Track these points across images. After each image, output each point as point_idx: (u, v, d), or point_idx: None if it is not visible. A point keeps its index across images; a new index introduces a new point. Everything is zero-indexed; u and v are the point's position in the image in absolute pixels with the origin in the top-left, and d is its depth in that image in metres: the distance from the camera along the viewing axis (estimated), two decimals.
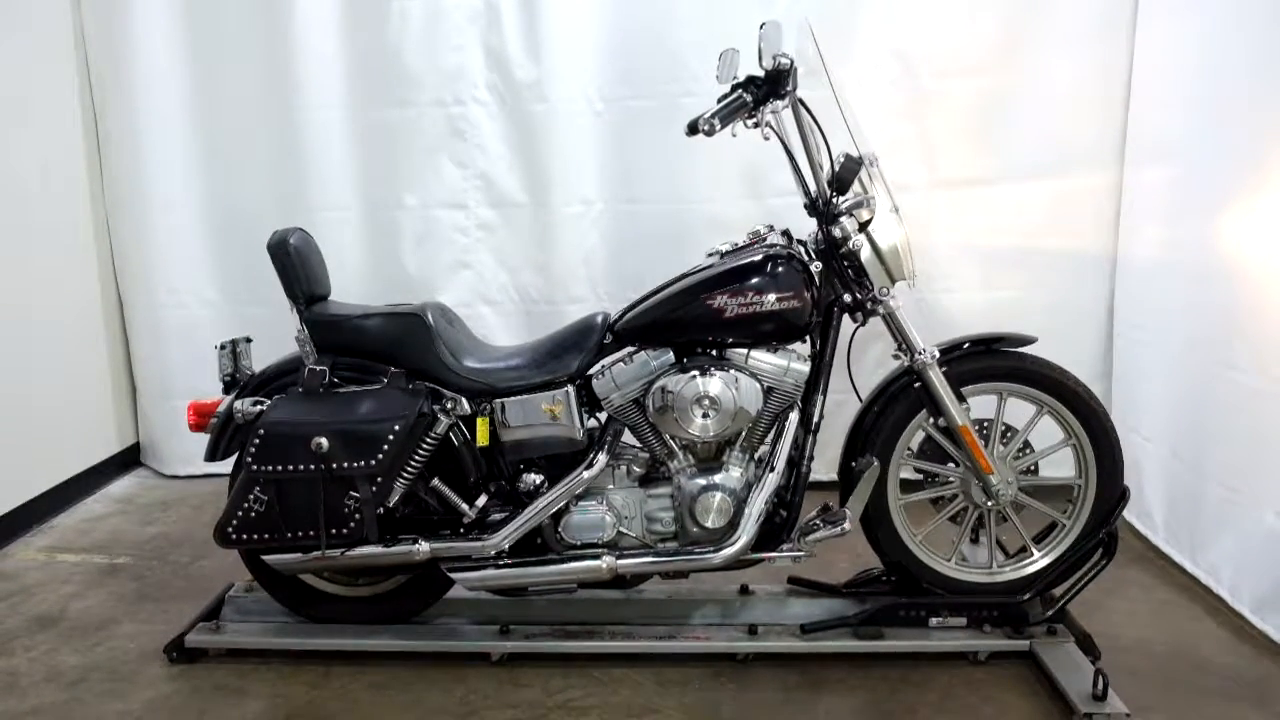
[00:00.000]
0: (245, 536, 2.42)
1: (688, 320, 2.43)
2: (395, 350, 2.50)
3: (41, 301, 3.67)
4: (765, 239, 2.52)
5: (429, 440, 2.46)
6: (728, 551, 2.44)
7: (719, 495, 2.46)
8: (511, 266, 3.76)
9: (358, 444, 2.36)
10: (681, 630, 2.63)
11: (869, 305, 2.48)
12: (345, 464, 2.36)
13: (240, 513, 2.41)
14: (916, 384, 2.52)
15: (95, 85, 3.86)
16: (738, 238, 2.60)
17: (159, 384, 4.03)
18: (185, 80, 3.75)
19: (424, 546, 2.47)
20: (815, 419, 2.50)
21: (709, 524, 2.46)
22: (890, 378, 2.60)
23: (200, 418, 2.57)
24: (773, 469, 2.46)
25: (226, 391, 2.58)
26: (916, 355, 2.47)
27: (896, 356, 2.55)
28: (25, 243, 3.60)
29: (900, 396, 2.56)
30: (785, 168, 2.49)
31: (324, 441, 2.34)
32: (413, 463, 2.45)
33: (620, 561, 2.47)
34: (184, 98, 3.77)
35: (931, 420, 2.55)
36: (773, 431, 2.51)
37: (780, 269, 2.40)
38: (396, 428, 2.36)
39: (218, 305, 3.92)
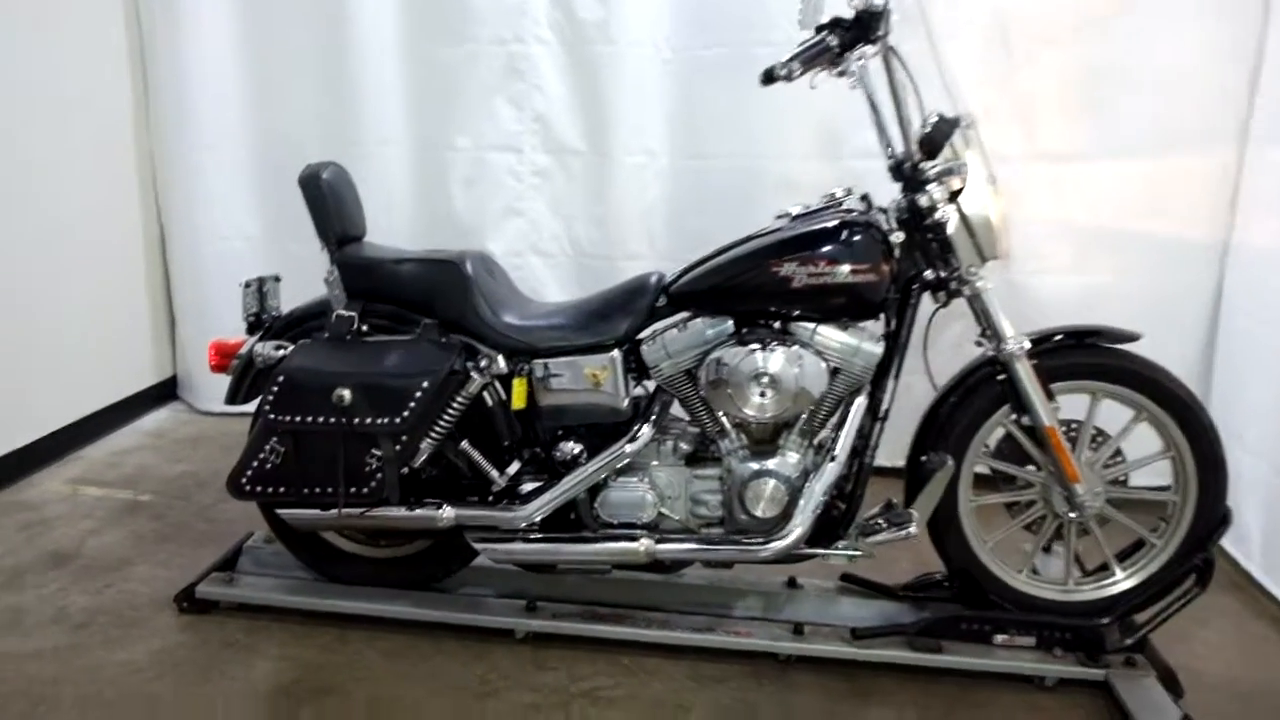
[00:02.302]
0: (260, 489, 2.26)
1: (751, 287, 2.20)
2: (430, 300, 2.30)
3: (83, 230, 3.55)
4: (841, 203, 2.27)
5: (460, 399, 2.27)
6: (779, 544, 2.23)
7: (773, 482, 2.24)
8: (565, 216, 3.54)
9: (382, 399, 2.18)
10: (721, 623, 2.42)
11: (953, 284, 2.22)
12: (368, 420, 2.18)
13: (256, 463, 2.25)
14: (1001, 376, 2.26)
15: (143, 15, 3.72)
16: (811, 200, 2.35)
17: (198, 317, 3.90)
18: (235, 12, 3.58)
19: (448, 512, 2.29)
20: (884, 406, 2.26)
21: (760, 513, 2.24)
22: (971, 367, 2.34)
23: (222, 358, 2.41)
24: (834, 458, 2.23)
25: (250, 332, 2.42)
26: (1004, 345, 2.21)
27: (979, 343, 2.29)
28: (69, 171, 3.48)
29: (981, 388, 2.30)
30: (867, 127, 2.23)
31: (346, 394, 2.16)
32: (441, 422, 2.26)
33: (660, 546, 2.27)
34: (233, 30, 3.59)
35: (1014, 417, 2.29)
36: (836, 416, 2.28)
37: (857, 237, 2.15)
38: (425, 384, 2.17)
39: (259, 241, 3.77)
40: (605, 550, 2.28)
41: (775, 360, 2.17)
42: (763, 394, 2.18)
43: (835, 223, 2.18)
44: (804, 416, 2.26)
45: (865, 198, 2.29)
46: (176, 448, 3.69)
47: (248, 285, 2.39)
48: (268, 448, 2.23)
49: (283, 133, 3.65)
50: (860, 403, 2.25)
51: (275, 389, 2.20)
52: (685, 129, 3.41)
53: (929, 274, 2.22)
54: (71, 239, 3.49)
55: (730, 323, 2.25)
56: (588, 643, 2.40)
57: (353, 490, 2.23)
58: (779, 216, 2.31)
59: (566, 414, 2.32)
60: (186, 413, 4.04)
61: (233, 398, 2.41)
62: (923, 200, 2.16)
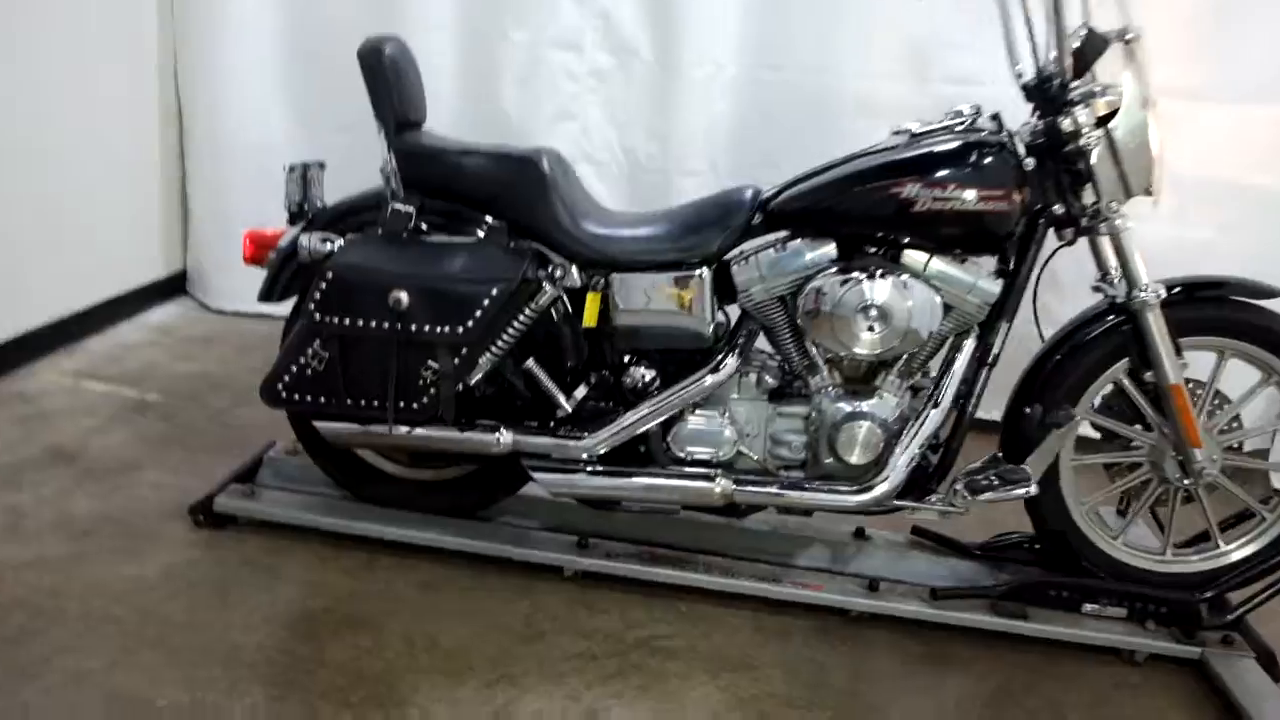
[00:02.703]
0: (298, 397, 2.03)
1: (865, 208, 1.97)
2: (500, 199, 2.05)
3: (95, 112, 3.24)
4: (968, 122, 2.02)
5: (528, 312, 2.03)
6: (869, 494, 2.04)
7: (868, 426, 2.03)
8: (621, 124, 3.26)
9: (445, 306, 1.94)
10: (788, 573, 2.23)
11: (1085, 221, 1.99)
12: (427, 328, 1.94)
13: (295, 368, 2.01)
14: (1125, 325, 2.04)
15: None
16: (897, 122, 2.10)
17: (214, 209, 3.61)
18: None
19: (506, 437, 2.07)
20: (995, 351, 2.05)
21: (852, 458, 2.04)
22: (1092, 313, 2.11)
23: (259, 249, 2.16)
24: (936, 405, 2.03)
25: (292, 223, 2.16)
26: (1138, 291, 1.99)
27: (1098, 288, 2.07)
28: (84, 51, 3.17)
29: (1101, 338, 2.08)
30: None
31: (404, 297, 1.92)
32: (505, 337, 2.03)
33: (739, 487, 2.06)
34: None
35: (1131, 371, 2.08)
36: (937, 359, 2.07)
37: (990, 160, 1.92)
38: (494, 292, 1.93)
39: (285, 131, 3.46)
40: (678, 489, 2.07)
41: (885, 292, 1.94)
42: (869, 328, 1.96)
43: (965, 142, 1.94)
44: (904, 357, 2.04)
45: (996, 117, 2.04)
46: (186, 346, 3.43)
47: (291, 170, 2.13)
48: (309, 352, 1.99)
49: (317, 12, 3.32)
50: (968, 346, 2.04)
51: (322, 287, 1.96)
52: (758, 36, 3.12)
53: (1058, 208, 1.99)
54: (82, 120, 3.17)
55: (833, 246, 2.02)
56: (640, 585, 2.20)
57: (402, 405, 2.00)
58: (896, 133, 2.07)
59: (642, 336, 2.09)
60: (196, 310, 3.77)
61: (268, 294, 2.16)
62: (1065, 124, 1.92)
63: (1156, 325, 2.00)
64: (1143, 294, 1.99)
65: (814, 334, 2.01)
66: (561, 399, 2.09)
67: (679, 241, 2.05)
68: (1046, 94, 1.96)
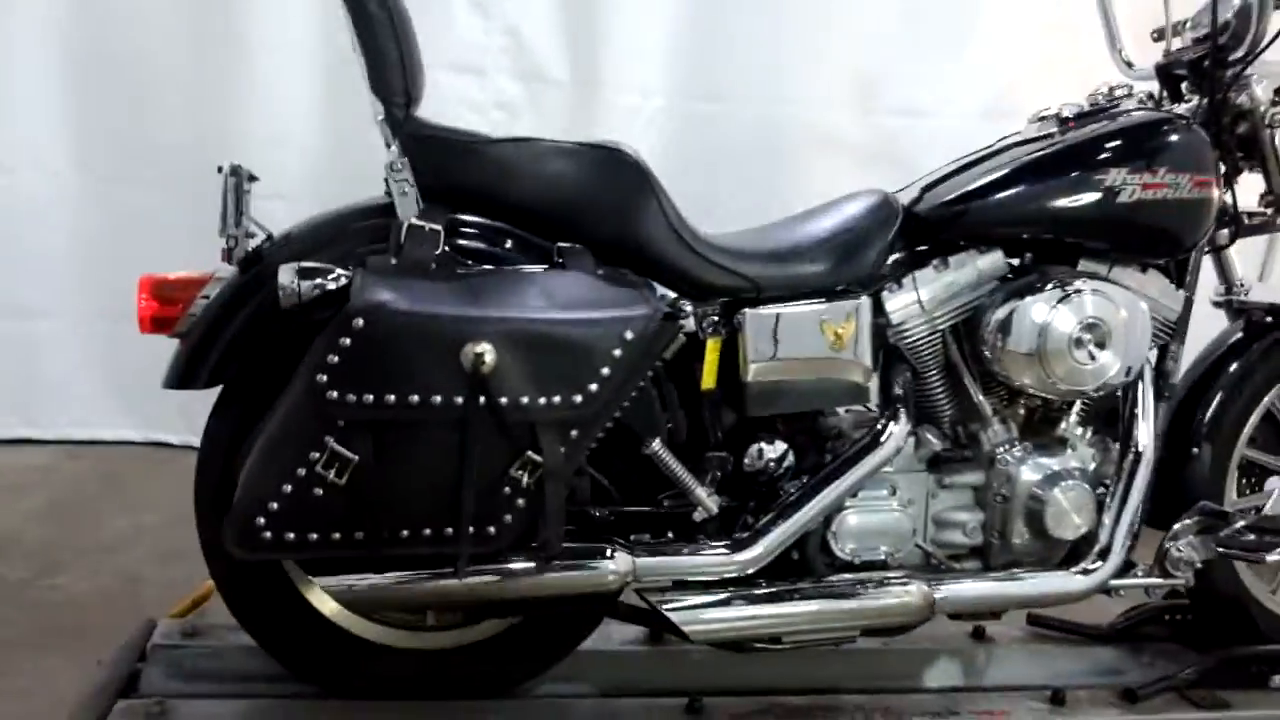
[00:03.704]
0: (297, 537, 1.21)
1: (1056, 205, 1.54)
2: (580, 208, 1.39)
3: None
4: (1122, 104, 1.66)
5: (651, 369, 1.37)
6: (1096, 576, 1.55)
7: (1078, 488, 1.55)
8: None
9: (554, 362, 1.24)
10: (957, 700, 1.67)
11: (1254, 217, 1.69)
12: (525, 399, 1.22)
13: (288, 489, 1.20)
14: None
15: None
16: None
17: None
18: None
19: (622, 562, 1.36)
20: (1173, 381, 1.67)
21: (1065, 532, 1.55)
22: (1243, 330, 1.80)
23: (168, 303, 1.34)
24: (1137, 453, 1.59)
25: (230, 257, 1.35)
26: None
27: (1220, 303, 1.78)
28: None
29: (1265, 357, 1.78)
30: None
31: (487, 353, 1.20)
32: (620, 409, 1.34)
33: (944, 590, 1.49)
34: None
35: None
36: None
37: (1189, 140, 1.57)
38: (629, 336, 1.26)
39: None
40: (873, 608, 1.46)
41: (1099, 306, 1.50)
42: (1088, 356, 1.50)
43: (1157, 119, 1.58)
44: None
45: (1153, 96, 1.70)
46: None
47: (233, 174, 1.33)
48: (314, 459, 1.19)
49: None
50: (1149, 375, 1.64)
51: (343, 346, 1.18)
52: (692, 63, 2.67)
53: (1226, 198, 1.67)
54: None
55: (1002, 257, 1.56)
56: None
57: (474, 532, 1.25)
58: (1037, 119, 1.67)
59: (784, 396, 1.48)
60: None
61: (189, 373, 1.34)
62: (1241, 99, 1.61)
63: None
64: None
65: (1007, 371, 1.52)
66: (703, 494, 1.42)
67: (828, 261, 1.49)
68: (1198, 69, 1.64)
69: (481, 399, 1.20)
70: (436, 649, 1.53)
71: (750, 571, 1.42)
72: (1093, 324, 1.49)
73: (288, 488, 1.20)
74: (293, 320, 1.26)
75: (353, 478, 1.19)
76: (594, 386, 1.24)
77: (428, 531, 1.24)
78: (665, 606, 1.38)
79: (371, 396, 1.19)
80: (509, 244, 1.39)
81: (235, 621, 1.54)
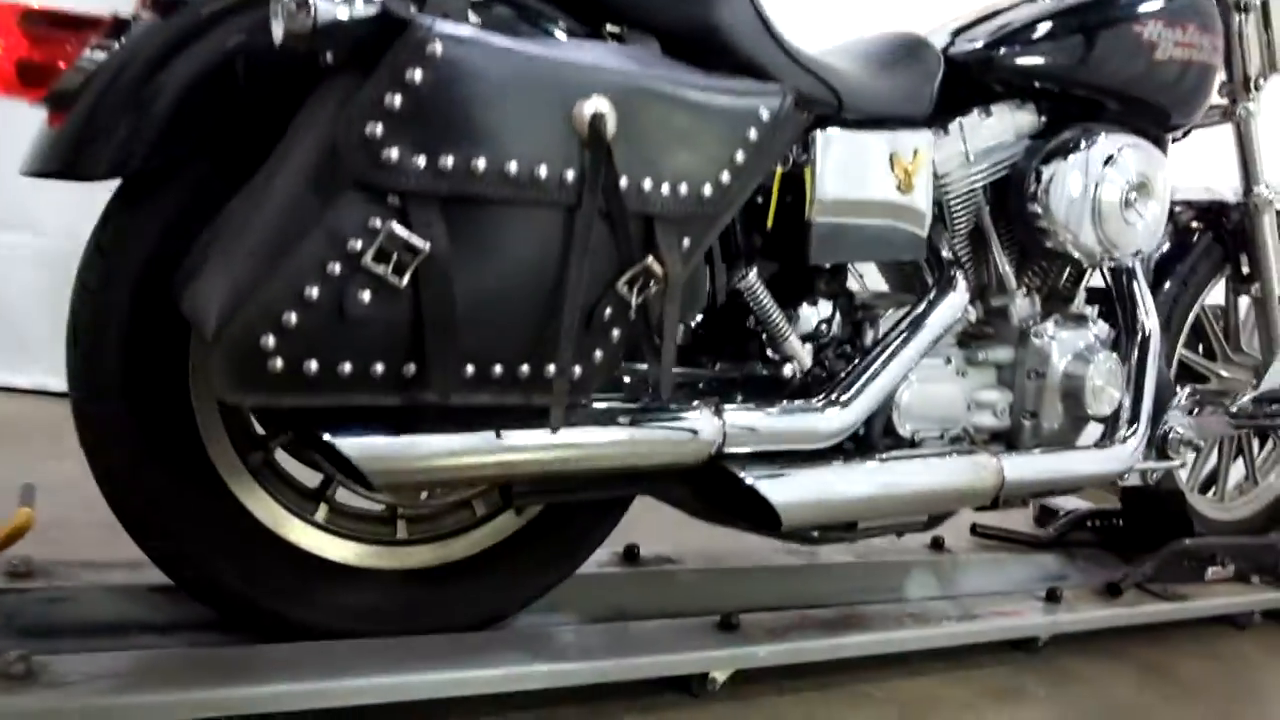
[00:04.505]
0: (324, 370, 0.80)
1: (1097, 58, 1.42)
2: None
3: None
4: None
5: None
6: (1127, 452, 1.46)
7: (1112, 362, 1.46)
8: None
9: (687, 138, 0.92)
10: (974, 605, 1.53)
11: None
12: (650, 182, 0.90)
13: (320, 295, 0.79)
14: (1233, 229, 1.78)
15: None
16: None
17: None
18: None
19: (711, 422, 1.06)
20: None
21: (1102, 408, 1.44)
22: (1184, 221, 1.82)
23: (39, 49, 0.88)
24: (1145, 330, 1.54)
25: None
26: (1255, 191, 1.74)
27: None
28: None
29: (1205, 249, 1.80)
30: None
31: (608, 113, 0.86)
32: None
33: (1009, 461, 1.32)
34: None
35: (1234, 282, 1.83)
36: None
37: (1208, 3, 1.54)
38: (764, 116, 0.96)
39: None
40: (951, 485, 1.26)
41: (1148, 165, 1.41)
42: (1137, 215, 1.40)
43: None
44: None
45: None
46: None
47: None
48: (353, 249, 0.80)
49: None
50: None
51: (412, 84, 0.79)
52: None
53: None
54: None
55: (1034, 110, 1.44)
56: (795, 674, 1.33)
57: (555, 371, 0.90)
58: None
59: (848, 242, 1.25)
60: None
61: (88, 153, 0.87)
62: None
63: (1271, 230, 1.77)
64: (1262, 192, 1.74)
65: (1056, 232, 1.39)
66: (796, 342, 1.15)
67: (898, 90, 1.28)
68: None
69: (598, 171, 0.85)
70: (409, 569, 1.13)
71: (839, 440, 1.17)
72: (1142, 183, 1.40)
73: (313, 291, 0.78)
74: (261, 76, 0.85)
75: (416, 278, 0.81)
76: (725, 177, 0.94)
77: (498, 369, 0.87)
78: (754, 478, 1.08)
79: (451, 159, 0.80)
80: (554, 27, 1.03)
81: (85, 557, 1.08)
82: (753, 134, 0.95)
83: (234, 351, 0.77)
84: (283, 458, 1.08)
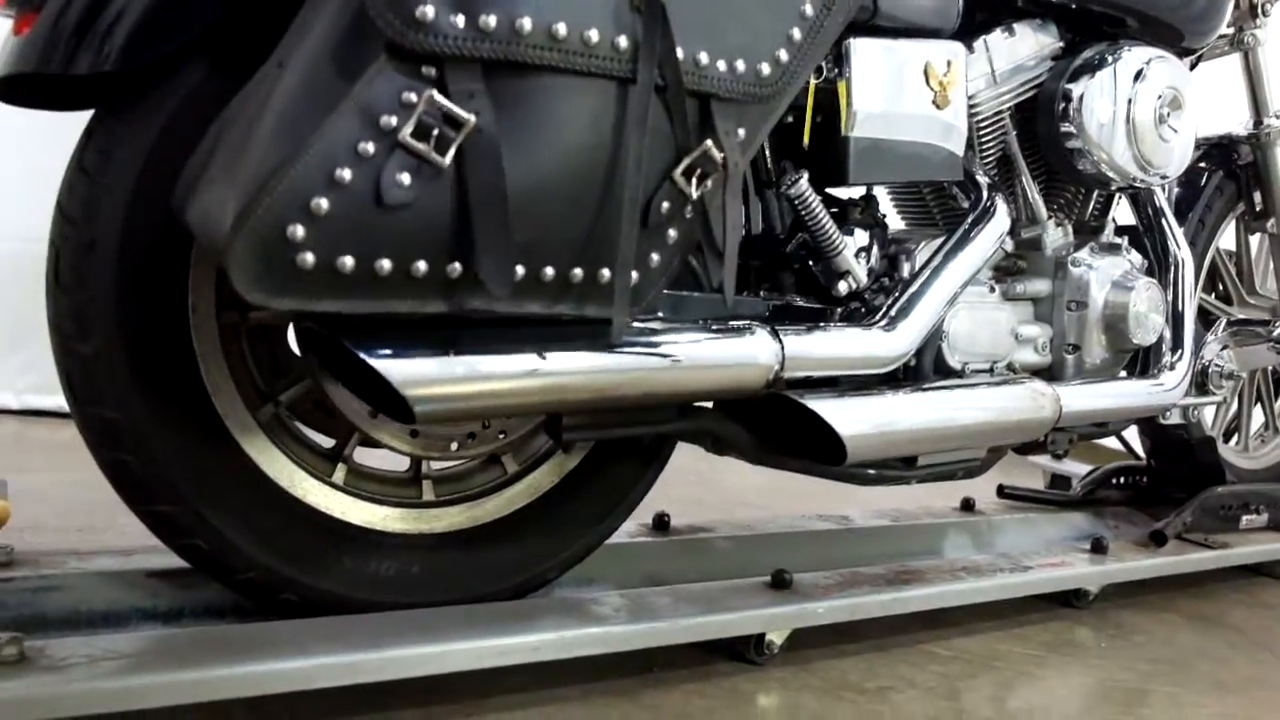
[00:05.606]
0: (361, 265, 0.70)
1: None
2: None
3: None
4: None
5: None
6: (1176, 382, 1.39)
7: (1154, 289, 1.39)
8: None
9: (744, 8, 0.83)
10: (1021, 558, 1.45)
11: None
12: (707, 56, 0.81)
13: (353, 178, 0.69)
14: (1245, 163, 1.74)
15: None
16: None
17: None
18: None
19: (770, 340, 0.97)
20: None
21: (1147, 336, 1.37)
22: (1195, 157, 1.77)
23: None
24: (1179, 259, 1.48)
25: None
26: (1265, 123, 1.70)
27: None
28: None
29: (1222, 188, 1.76)
30: None
31: None
32: None
33: (1065, 391, 1.25)
34: None
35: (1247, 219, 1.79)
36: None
37: None
38: None
39: None
40: (1010, 416, 1.18)
41: (1178, 80, 1.36)
42: (1171, 130, 1.34)
43: None
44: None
45: None
46: None
47: None
48: (387, 125, 0.69)
49: None
50: None
51: None
52: None
53: None
54: None
55: (1056, 31, 1.38)
56: (851, 636, 1.23)
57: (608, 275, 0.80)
58: None
59: (884, 160, 1.16)
60: None
61: (68, 46, 0.76)
62: None
63: None
64: (1274, 122, 1.70)
65: (1081, 153, 1.32)
66: (850, 256, 1.06)
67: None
68: None
69: (654, 44, 0.76)
70: (438, 533, 1.02)
71: (896, 365, 1.09)
72: (1174, 97, 1.34)
73: (345, 174, 0.68)
74: None
75: (460, 157, 0.70)
76: (784, 55, 0.85)
77: (550, 271, 0.77)
78: (816, 404, 0.99)
79: (494, 18, 0.71)
80: None
81: (69, 545, 0.96)
82: (808, 9, 0.86)
83: (259, 243, 0.66)
84: None
